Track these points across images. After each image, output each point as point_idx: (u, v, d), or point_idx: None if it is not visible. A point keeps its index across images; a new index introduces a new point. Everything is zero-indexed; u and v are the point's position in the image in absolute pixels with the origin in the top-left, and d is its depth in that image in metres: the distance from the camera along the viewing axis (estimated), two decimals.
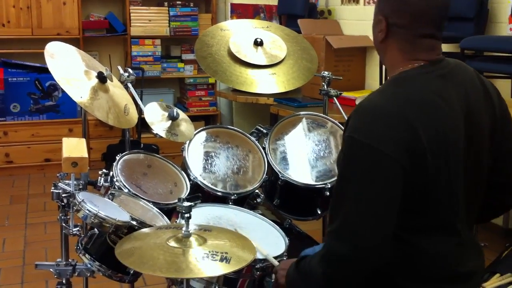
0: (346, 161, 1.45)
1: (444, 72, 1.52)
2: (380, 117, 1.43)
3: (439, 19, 1.52)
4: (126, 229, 1.83)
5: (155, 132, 2.31)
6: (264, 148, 2.53)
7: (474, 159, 1.54)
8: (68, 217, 1.91)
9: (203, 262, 1.50)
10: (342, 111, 2.83)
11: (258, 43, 2.77)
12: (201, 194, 2.06)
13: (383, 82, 3.97)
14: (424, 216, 1.47)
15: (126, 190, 2.14)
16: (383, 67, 3.94)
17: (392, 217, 1.41)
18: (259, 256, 1.79)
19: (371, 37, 1.69)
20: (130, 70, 2.56)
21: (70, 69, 2.28)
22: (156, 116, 2.36)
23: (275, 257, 1.84)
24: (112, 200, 2.02)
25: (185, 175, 2.35)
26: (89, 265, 1.92)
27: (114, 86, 2.40)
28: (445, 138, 1.44)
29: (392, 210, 1.41)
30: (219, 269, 1.50)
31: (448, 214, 1.50)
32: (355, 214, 1.40)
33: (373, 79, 4.45)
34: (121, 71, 2.54)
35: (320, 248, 1.52)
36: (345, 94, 3.67)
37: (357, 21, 4.67)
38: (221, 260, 1.52)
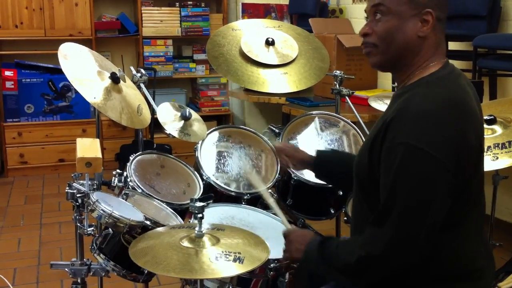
0: (401, 168, 1.40)
1: (459, 73, 1.55)
2: (431, 120, 1.40)
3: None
4: (140, 229, 1.84)
5: (168, 132, 2.31)
6: None
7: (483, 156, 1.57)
8: (83, 217, 1.92)
9: (217, 263, 1.50)
10: (354, 110, 2.82)
11: (269, 43, 2.77)
12: (214, 194, 2.06)
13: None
14: (449, 214, 1.46)
15: (139, 190, 2.15)
16: None
17: (440, 223, 1.42)
18: (272, 256, 1.79)
19: None
20: (142, 70, 2.57)
21: (83, 69, 2.29)
22: (169, 116, 2.37)
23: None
24: (126, 200, 2.03)
25: (198, 175, 2.36)
26: (103, 265, 1.93)
27: (127, 87, 2.41)
28: (479, 136, 1.47)
29: (442, 217, 1.42)
30: (232, 269, 1.50)
31: (471, 209, 1.51)
32: (410, 222, 1.40)
33: (386, 78, 4.44)
34: (134, 72, 2.55)
35: (349, 241, 1.54)
36: (357, 93, 3.66)
37: None
38: (235, 260, 1.52)
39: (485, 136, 2.33)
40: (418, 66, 1.53)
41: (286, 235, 1.75)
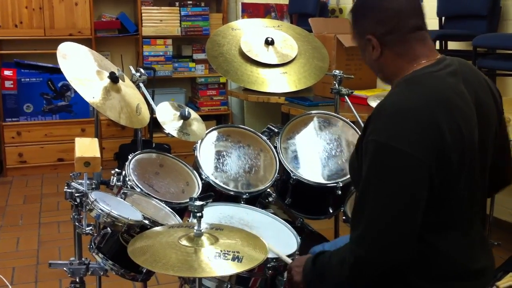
0: (372, 166, 1.42)
1: (453, 69, 1.52)
2: (406, 118, 1.41)
3: (418, 7, 1.55)
4: (139, 228, 1.84)
5: (167, 131, 2.31)
6: (275, 147, 2.53)
7: (484, 154, 1.55)
8: (81, 216, 1.92)
9: (215, 261, 1.50)
10: (353, 110, 2.82)
11: (269, 42, 2.77)
12: (213, 193, 2.06)
13: None
14: (441, 213, 1.47)
15: (138, 190, 2.15)
16: None
17: (419, 219, 1.41)
18: (271, 255, 1.79)
19: None
20: (141, 70, 2.57)
21: (82, 69, 2.29)
22: (168, 116, 2.37)
23: (288, 256, 1.84)
24: (124, 199, 2.03)
25: (197, 174, 2.36)
26: (102, 264, 1.93)
27: (126, 86, 2.41)
28: (463, 134, 1.45)
29: (419, 213, 1.41)
30: (231, 268, 1.50)
31: (464, 210, 1.51)
32: (382, 219, 1.40)
33: None
34: (133, 71, 2.55)
35: (341, 247, 1.53)
36: (356, 92, 3.66)
37: None
38: (233, 259, 1.52)
39: None
40: (396, 76, 1.56)
41: (288, 267, 1.77)
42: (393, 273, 1.48)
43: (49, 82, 5.09)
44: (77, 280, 1.98)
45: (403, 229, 1.40)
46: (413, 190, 1.39)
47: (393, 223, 1.40)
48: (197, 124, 2.42)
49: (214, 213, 2.11)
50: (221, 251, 1.55)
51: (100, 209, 1.79)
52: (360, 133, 1.57)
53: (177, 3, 5.49)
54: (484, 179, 1.58)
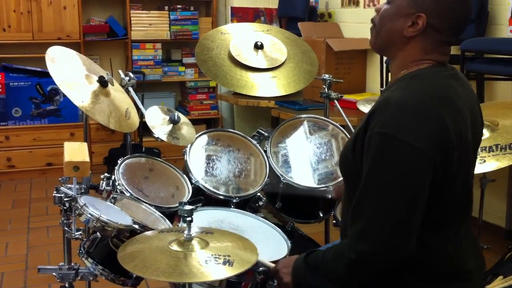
0: (377, 159, 1.40)
1: (453, 72, 1.55)
2: (412, 111, 1.40)
3: (464, 29, 1.54)
4: (128, 233, 1.83)
5: (156, 135, 2.31)
6: (265, 151, 2.53)
7: (474, 156, 1.58)
8: (71, 221, 1.90)
9: (206, 266, 1.50)
10: (343, 114, 2.83)
11: (258, 47, 2.78)
12: (203, 197, 2.06)
13: (384, 84, 3.97)
14: (437, 212, 1.47)
15: (128, 194, 2.14)
16: (384, 69, 3.95)
17: (421, 213, 1.41)
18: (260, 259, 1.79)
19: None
20: (131, 74, 2.57)
21: (71, 73, 2.28)
22: (157, 120, 2.37)
23: (278, 261, 1.83)
24: (114, 204, 2.02)
25: (186, 178, 2.36)
26: (91, 269, 1.92)
27: (115, 90, 2.41)
28: (462, 133, 1.47)
29: (422, 207, 1.41)
30: (222, 272, 1.50)
31: (458, 210, 1.53)
32: (387, 213, 1.39)
33: (374, 82, 4.45)
34: (122, 75, 2.55)
35: (334, 245, 1.52)
36: (346, 96, 3.66)
37: (358, 24, 4.68)
38: (224, 263, 1.51)
39: None
40: (403, 63, 1.54)
41: (273, 270, 1.74)
42: (387, 274, 1.48)
43: (38, 86, 5.07)
44: (67, 285, 1.97)
45: (408, 223, 1.39)
46: (418, 183, 1.39)
47: (398, 217, 1.39)
48: (186, 128, 2.42)
49: (204, 217, 2.11)
50: (212, 255, 1.54)
51: (90, 213, 1.78)
52: (356, 129, 1.54)
53: (166, 7, 5.48)
54: (472, 181, 1.60)
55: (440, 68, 1.53)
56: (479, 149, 2.31)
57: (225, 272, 1.50)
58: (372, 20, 1.60)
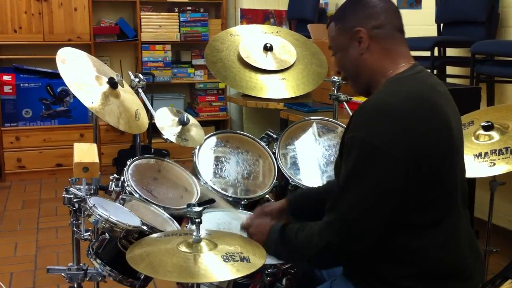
0: (351, 161, 1.46)
1: (427, 73, 1.60)
2: (387, 116, 1.44)
3: (398, 11, 1.61)
4: (137, 234, 1.84)
5: (165, 137, 2.31)
6: (274, 153, 2.53)
7: (462, 154, 1.60)
8: (80, 221, 1.92)
9: (215, 267, 1.50)
10: None
11: (268, 48, 2.78)
12: (214, 199, 2.06)
13: None
14: (427, 213, 1.48)
15: (136, 195, 2.14)
16: None
17: (389, 214, 1.46)
18: (268, 261, 1.79)
19: None
20: (140, 75, 2.58)
21: (81, 74, 2.29)
22: (167, 121, 2.37)
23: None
24: (123, 205, 2.03)
25: (195, 180, 2.36)
26: (100, 270, 1.92)
27: (125, 92, 2.41)
28: (445, 132, 1.49)
29: (390, 209, 1.45)
30: (230, 274, 1.50)
31: (457, 210, 1.54)
32: (355, 211, 1.46)
33: None
34: (132, 77, 2.56)
35: (307, 225, 1.58)
36: (355, 99, 3.65)
37: None
38: (232, 265, 1.52)
39: (482, 142, 2.34)
40: (380, 74, 1.58)
41: (245, 227, 1.80)
42: (380, 273, 1.51)
43: (48, 87, 5.09)
44: (75, 285, 1.98)
45: (371, 222, 1.46)
46: (387, 187, 1.43)
47: (364, 216, 1.45)
48: (195, 130, 2.42)
49: (213, 219, 2.11)
50: (220, 256, 1.54)
51: (99, 214, 1.78)
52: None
53: (176, 9, 5.50)
54: (464, 179, 1.62)
55: (414, 70, 1.56)
56: (489, 152, 2.31)
57: (233, 274, 1.50)
58: (344, 79, 1.70)
